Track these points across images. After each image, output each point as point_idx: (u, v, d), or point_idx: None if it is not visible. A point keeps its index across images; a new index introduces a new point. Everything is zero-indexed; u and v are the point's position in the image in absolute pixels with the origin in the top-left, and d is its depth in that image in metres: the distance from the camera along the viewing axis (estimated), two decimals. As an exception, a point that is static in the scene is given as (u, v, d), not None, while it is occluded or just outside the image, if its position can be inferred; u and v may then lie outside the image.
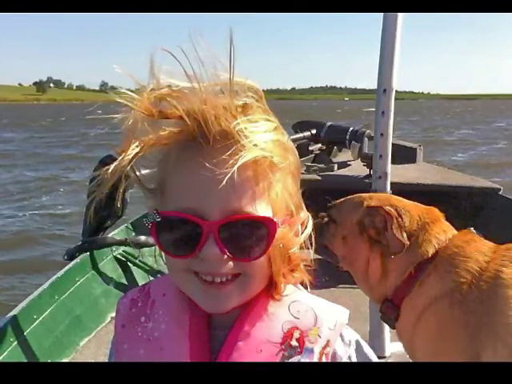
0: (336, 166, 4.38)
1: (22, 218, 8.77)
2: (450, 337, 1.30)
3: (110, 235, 2.75)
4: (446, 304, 1.32)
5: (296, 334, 0.66)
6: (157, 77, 0.64)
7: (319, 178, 4.01)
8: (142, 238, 2.52)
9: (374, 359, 0.72)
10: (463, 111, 69.14)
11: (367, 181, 3.29)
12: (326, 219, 1.58)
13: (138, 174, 0.67)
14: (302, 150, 4.44)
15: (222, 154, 0.60)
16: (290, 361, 0.65)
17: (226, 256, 0.63)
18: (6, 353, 1.91)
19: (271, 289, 0.69)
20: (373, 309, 2.12)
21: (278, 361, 0.65)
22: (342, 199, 1.60)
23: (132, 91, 0.64)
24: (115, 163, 0.63)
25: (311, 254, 0.72)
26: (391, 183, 2.24)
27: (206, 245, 0.63)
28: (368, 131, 4.23)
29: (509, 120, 41.13)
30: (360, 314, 2.24)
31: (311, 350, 0.66)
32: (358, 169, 4.13)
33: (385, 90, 2.13)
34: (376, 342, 2.24)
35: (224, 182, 0.59)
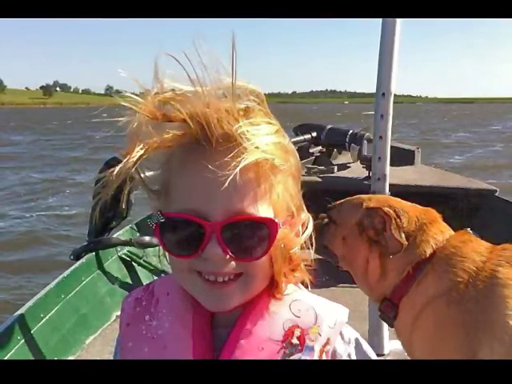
0: (336, 168, 4.40)
1: (29, 219, 8.81)
2: (448, 335, 1.31)
3: (115, 236, 2.77)
4: (443, 303, 1.33)
5: (297, 333, 0.67)
6: (161, 81, 0.65)
7: (319, 179, 4.03)
8: (147, 238, 2.54)
9: (373, 357, 0.72)
10: (460, 114, 69.33)
11: (366, 182, 3.31)
12: (326, 220, 1.59)
13: (142, 175, 0.68)
14: (303, 152, 4.47)
15: (225, 157, 0.61)
16: (291, 358, 0.66)
17: (228, 256, 0.64)
18: (13, 351, 1.92)
19: (272, 288, 0.70)
20: (372, 308, 2.14)
21: (279, 358, 0.66)
22: (342, 200, 1.61)
23: (136, 95, 0.65)
24: (120, 165, 0.64)
25: (312, 254, 0.73)
26: (390, 185, 2.25)
27: (208, 245, 0.64)
28: (367, 134, 4.25)
29: (505, 123, 41.25)
30: (359, 313, 2.25)
31: (311, 348, 0.67)
32: (357, 171, 4.14)
33: (384, 94, 2.15)
34: (375, 340, 2.26)
35: (226, 183, 0.60)
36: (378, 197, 1.63)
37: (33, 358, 1.97)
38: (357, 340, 0.72)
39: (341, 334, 0.71)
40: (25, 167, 15.48)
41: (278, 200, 0.66)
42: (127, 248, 2.90)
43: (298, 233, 0.70)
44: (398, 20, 2.07)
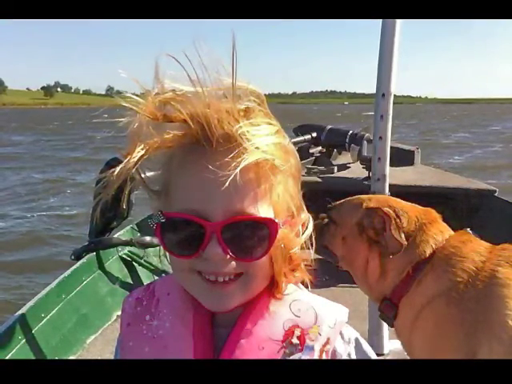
0: (336, 169, 4.41)
1: (30, 219, 8.86)
2: (447, 334, 1.32)
3: (115, 236, 2.76)
4: (443, 303, 1.34)
5: (297, 332, 0.67)
6: (161, 81, 0.65)
7: (319, 180, 4.03)
8: (147, 238, 2.54)
9: (373, 356, 0.73)
10: (460, 115, 69.48)
11: (366, 183, 3.31)
12: (326, 220, 1.60)
13: (142, 176, 0.68)
14: (303, 152, 4.48)
15: (225, 157, 0.61)
16: (291, 358, 0.66)
17: (228, 256, 0.64)
18: (14, 350, 1.92)
19: (273, 288, 0.70)
20: (372, 307, 2.14)
21: (279, 358, 0.66)
22: (342, 201, 1.62)
23: (137, 95, 0.65)
24: (121, 165, 0.64)
25: (312, 254, 0.73)
26: (390, 185, 2.26)
27: (209, 245, 0.64)
28: (367, 134, 4.26)
29: (504, 123, 41.36)
30: (359, 313, 2.24)
31: (312, 348, 0.67)
32: (357, 171, 4.15)
33: (383, 95, 2.15)
34: (375, 339, 2.26)
35: (227, 183, 0.60)
36: (378, 197, 1.63)
37: (34, 358, 1.97)
38: (357, 340, 0.72)
39: (341, 333, 0.71)
40: (26, 167, 15.55)
41: (278, 200, 0.67)
42: (128, 248, 2.90)
43: (298, 233, 0.71)
44: (398, 20, 2.08)
